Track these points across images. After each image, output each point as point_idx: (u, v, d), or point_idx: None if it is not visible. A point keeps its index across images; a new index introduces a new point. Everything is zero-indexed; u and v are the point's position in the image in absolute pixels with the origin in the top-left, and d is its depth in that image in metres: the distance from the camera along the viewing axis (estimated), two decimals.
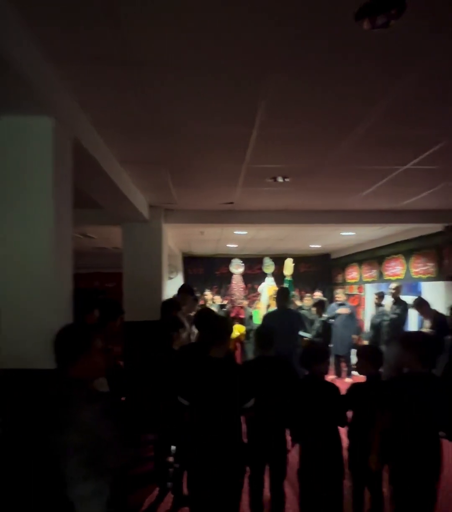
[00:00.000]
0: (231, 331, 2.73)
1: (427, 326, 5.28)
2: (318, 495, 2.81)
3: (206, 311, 3.69)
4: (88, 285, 8.81)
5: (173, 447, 3.56)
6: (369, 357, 2.99)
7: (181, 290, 4.64)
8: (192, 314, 5.06)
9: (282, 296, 4.69)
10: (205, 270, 10.80)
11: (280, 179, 3.77)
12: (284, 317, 4.61)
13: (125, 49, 1.79)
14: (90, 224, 5.43)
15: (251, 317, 7.81)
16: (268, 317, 4.91)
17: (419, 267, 6.69)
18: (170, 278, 8.61)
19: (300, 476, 2.86)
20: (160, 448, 3.52)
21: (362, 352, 3.15)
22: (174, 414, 2.95)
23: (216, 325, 2.63)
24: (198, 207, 5.25)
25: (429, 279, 6.45)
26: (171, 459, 3.53)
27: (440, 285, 5.94)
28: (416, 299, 5.56)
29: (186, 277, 10.40)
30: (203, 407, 2.45)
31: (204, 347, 2.67)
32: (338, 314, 7.59)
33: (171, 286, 7.19)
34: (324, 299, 8.24)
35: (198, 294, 9.06)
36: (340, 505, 2.82)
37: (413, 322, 7.05)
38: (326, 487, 2.79)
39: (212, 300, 8.66)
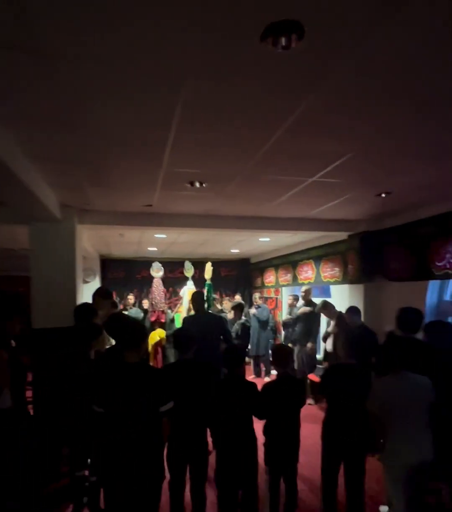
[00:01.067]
0: (143, 335, 2.68)
1: (332, 326, 5.77)
2: (235, 492, 2.91)
3: (117, 316, 3.59)
4: None
5: (89, 460, 3.39)
6: (279, 356, 3.19)
7: (96, 294, 4.44)
8: None
9: (197, 300, 4.74)
10: (126, 273, 10.48)
11: (197, 184, 3.83)
12: (203, 321, 4.65)
13: (33, 37, 1.67)
14: None
15: (172, 321, 7.76)
16: (187, 321, 4.91)
17: (328, 271, 7.26)
18: (87, 282, 8.19)
19: (216, 476, 2.93)
20: (75, 461, 3.32)
21: (273, 351, 3.36)
22: (89, 425, 2.83)
23: (127, 330, 2.58)
24: (116, 209, 5.09)
25: (336, 283, 7.03)
26: (86, 472, 3.36)
27: (344, 288, 6.50)
28: (320, 303, 6.07)
29: (105, 280, 9.99)
30: (117, 414, 2.38)
31: (118, 353, 2.60)
32: (256, 316, 7.92)
33: (88, 290, 6.84)
34: (242, 302, 8.52)
35: (117, 298, 8.79)
36: (255, 499, 2.95)
37: (323, 322, 7.65)
38: (242, 484, 2.91)
39: (136, 304, 8.44)
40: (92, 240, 7.43)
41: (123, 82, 2.04)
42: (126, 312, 7.77)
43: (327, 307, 5.83)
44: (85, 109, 2.34)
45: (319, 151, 3.05)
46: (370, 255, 5.87)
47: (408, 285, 5.35)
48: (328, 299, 7.59)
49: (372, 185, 4.00)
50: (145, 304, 8.48)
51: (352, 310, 5.04)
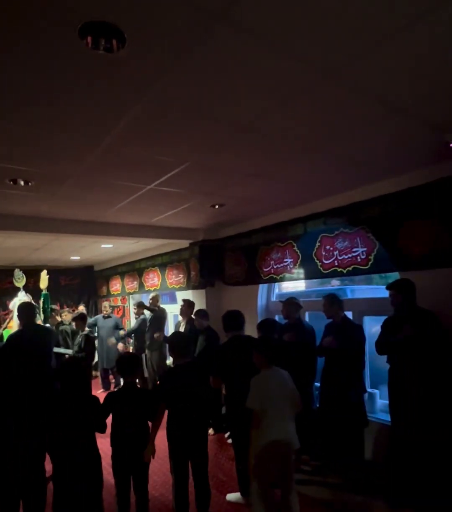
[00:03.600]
0: None
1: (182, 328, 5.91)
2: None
3: None
4: None
5: None
6: (124, 365, 3.10)
7: None
8: None
9: (23, 312, 4.25)
10: None
11: (21, 182, 3.41)
12: (31, 334, 4.18)
13: None
14: None
15: (1, 338, 6.75)
16: (13, 337, 4.33)
17: (173, 278, 7.44)
18: None
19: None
20: None
21: (117, 361, 3.27)
22: None
23: None
24: None
25: (181, 289, 7.25)
26: None
27: (188, 293, 6.77)
28: (185, 301, 6.15)
29: None
30: None
31: None
32: (101, 327, 7.54)
33: None
34: (84, 312, 7.99)
35: None
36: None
37: (171, 326, 7.80)
38: (87, 502, 2.72)
39: None
40: None
41: None
42: None
43: (185, 306, 5.94)
44: None
45: (154, 159, 3.08)
46: (209, 262, 6.27)
47: (243, 288, 5.93)
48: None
49: (207, 196, 4.27)
50: None
51: (200, 313, 5.29)
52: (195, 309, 5.63)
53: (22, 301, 5.57)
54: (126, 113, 2.32)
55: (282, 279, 5.31)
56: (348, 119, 2.55)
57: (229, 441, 4.75)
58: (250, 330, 4.24)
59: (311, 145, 2.94)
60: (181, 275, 7.15)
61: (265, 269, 5.54)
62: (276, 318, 5.36)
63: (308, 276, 5.01)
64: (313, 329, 4.45)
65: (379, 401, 4.46)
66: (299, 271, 5.03)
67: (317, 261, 4.75)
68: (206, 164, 3.26)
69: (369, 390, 4.41)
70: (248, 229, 5.75)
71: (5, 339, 6.64)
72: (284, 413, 2.89)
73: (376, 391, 4.50)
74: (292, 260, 5.12)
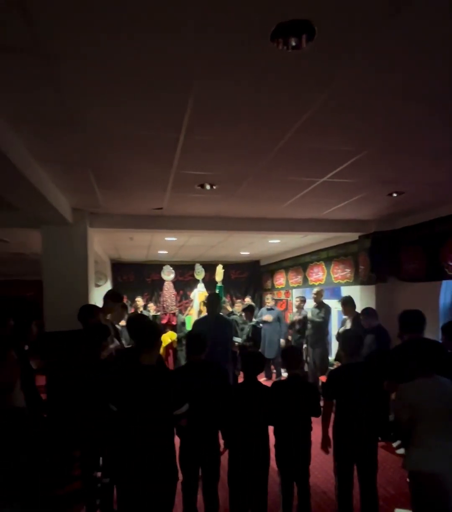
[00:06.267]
0: (159, 337, 2.69)
1: (348, 326, 5.68)
2: (246, 494, 2.90)
3: (135, 318, 3.61)
4: (4, 294, 8.13)
5: (101, 462, 3.40)
6: (289, 358, 3.17)
7: (106, 297, 4.46)
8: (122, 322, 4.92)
9: (212, 302, 4.73)
10: (136, 277, 10.52)
11: (208, 186, 3.82)
12: (215, 323, 4.65)
13: (39, 39, 1.68)
14: (5, 227, 5.02)
15: (183, 323, 7.78)
16: (198, 323, 4.91)
17: (339, 272, 7.19)
18: (98, 286, 8.25)
19: (229, 478, 2.92)
20: (87, 463, 3.34)
21: (283, 353, 3.36)
22: (101, 426, 2.84)
23: (145, 331, 2.60)
24: (126, 212, 5.11)
25: (347, 284, 6.96)
26: (99, 474, 3.37)
27: (356, 289, 6.43)
28: (343, 297, 5.93)
29: (116, 284, 10.05)
30: (132, 415, 2.38)
31: (135, 354, 2.61)
32: (264, 321, 7.90)
33: (99, 294, 6.90)
34: (253, 304, 8.48)
35: (128, 301, 8.83)
36: (265, 501, 2.94)
37: (335, 324, 7.59)
38: (254, 486, 2.89)
39: (144, 307, 8.50)
40: (102, 244, 7.49)
41: (130, 83, 2.03)
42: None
43: (349, 304, 5.69)
44: (91, 111, 2.34)
45: (330, 151, 3.02)
46: (381, 255, 5.80)
47: (421, 285, 5.28)
48: None
49: (384, 184, 3.95)
50: (151, 308, 8.53)
51: (368, 311, 4.97)
52: (367, 306, 5.29)
53: (205, 293, 6.25)
54: (309, 107, 2.32)
55: None
56: None
57: (399, 451, 4.31)
58: (430, 333, 3.74)
59: None
60: (348, 270, 6.85)
61: (451, 263, 4.80)
62: None
63: None
64: None
65: None
66: None
67: None
68: (388, 149, 3.01)
69: None
70: (430, 218, 5.08)
71: (187, 325, 7.62)
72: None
73: None
74: None
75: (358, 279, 6.39)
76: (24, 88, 2.08)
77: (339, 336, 3.52)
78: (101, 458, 3.37)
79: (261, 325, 7.71)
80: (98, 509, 3.23)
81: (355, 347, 3.08)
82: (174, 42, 1.71)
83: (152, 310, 8.43)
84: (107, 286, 9.14)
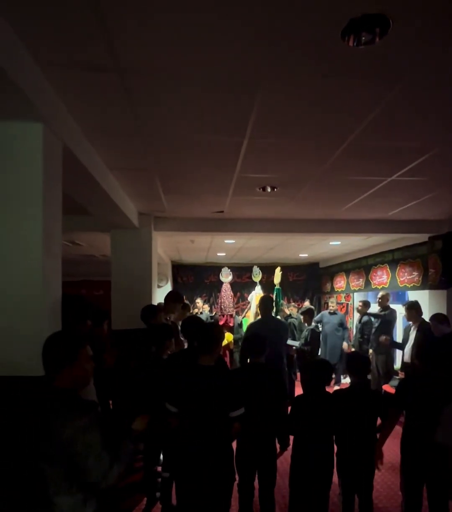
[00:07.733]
0: (218, 339, 2.66)
1: (413, 333, 5.34)
2: (307, 502, 2.84)
3: (192, 319, 3.68)
4: (75, 293, 8.75)
5: (161, 457, 3.53)
6: (355, 364, 3.04)
7: (168, 297, 4.59)
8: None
9: (264, 304, 4.71)
10: (195, 278, 10.79)
11: (269, 189, 3.82)
12: (269, 326, 4.61)
13: (113, 55, 1.79)
14: (79, 231, 5.41)
15: (240, 325, 7.83)
16: (253, 326, 4.90)
17: (405, 276, 6.81)
18: (160, 286, 8.59)
19: (291, 484, 2.88)
20: (149, 457, 3.49)
21: (349, 359, 3.23)
22: (163, 423, 2.94)
23: (203, 333, 2.62)
24: (189, 215, 5.27)
25: (413, 288, 6.56)
26: (159, 468, 3.50)
27: (424, 294, 6.04)
28: (408, 301, 5.60)
29: (176, 285, 10.38)
30: (192, 415, 2.45)
31: (194, 355, 2.67)
32: (326, 322, 7.68)
33: (161, 295, 7.18)
34: (312, 307, 8.29)
35: (187, 302, 9.09)
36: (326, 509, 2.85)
37: (400, 330, 7.18)
38: (315, 494, 2.82)
39: (202, 308, 8.70)
40: (164, 247, 7.78)
41: (197, 90, 2.09)
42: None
43: (415, 309, 5.35)
44: (161, 121, 2.45)
45: (398, 148, 2.88)
46: None
47: None
48: None
49: None
50: (206, 309, 8.70)
51: (438, 317, 4.64)
52: (432, 313, 4.93)
53: (264, 295, 6.23)
54: (377, 105, 2.23)
55: None
56: None
57: None
58: None
59: None
60: (416, 273, 6.46)
61: None
62: None
63: None
64: None
65: None
66: None
67: None
68: None
69: None
70: None
71: (244, 327, 7.65)
72: None
73: None
74: None
75: (427, 283, 6.00)
76: (101, 102, 2.23)
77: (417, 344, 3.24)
78: (161, 453, 3.49)
79: (319, 329, 7.51)
80: (157, 502, 3.35)
81: (431, 357, 2.87)
82: (240, 47, 1.73)
83: (206, 310, 8.59)
84: (168, 287, 9.47)
